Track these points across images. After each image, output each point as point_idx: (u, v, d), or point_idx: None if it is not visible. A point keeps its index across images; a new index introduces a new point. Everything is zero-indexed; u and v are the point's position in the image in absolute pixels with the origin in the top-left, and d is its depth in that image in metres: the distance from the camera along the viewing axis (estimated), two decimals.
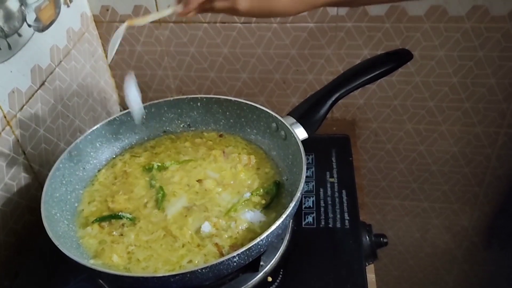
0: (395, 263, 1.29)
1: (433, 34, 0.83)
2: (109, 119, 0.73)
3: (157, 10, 0.87)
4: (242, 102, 0.73)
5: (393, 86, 0.91)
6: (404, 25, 0.82)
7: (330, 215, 0.71)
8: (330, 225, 0.69)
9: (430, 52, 0.85)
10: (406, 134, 0.99)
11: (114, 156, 0.75)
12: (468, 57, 0.85)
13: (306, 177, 0.75)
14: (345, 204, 0.72)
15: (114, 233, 0.62)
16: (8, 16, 0.66)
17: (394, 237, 1.22)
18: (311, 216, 0.71)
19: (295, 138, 0.64)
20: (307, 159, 0.79)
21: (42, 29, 0.74)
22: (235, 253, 0.52)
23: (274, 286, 0.62)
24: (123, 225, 0.63)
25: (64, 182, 0.66)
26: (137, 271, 0.57)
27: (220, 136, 0.76)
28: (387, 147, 1.02)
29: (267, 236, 0.53)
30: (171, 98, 0.76)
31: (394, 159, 1.04)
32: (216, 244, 0.58)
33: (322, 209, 0.72)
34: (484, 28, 0.81)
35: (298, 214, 0.71)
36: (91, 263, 0.58)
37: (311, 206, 0.73)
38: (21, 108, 0.70)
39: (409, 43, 0.84)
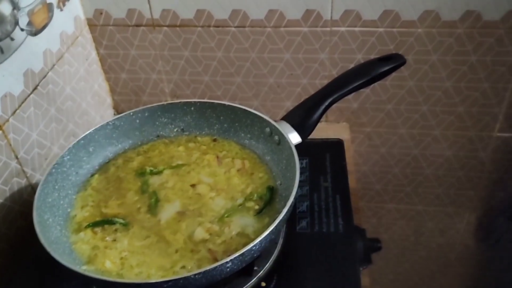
0: (390, 267, 1.29)
1: (426, 38, 0.83)
2: (102, 123, 0.73)
3: (151, 14, 0.87)
4: (236, 107, 0.73)
5: (387, 90, 0.91)
6: (397, 30, 0.83)
7: (324, 219, 0.71)
8: (324, 230, 0.69)
9: (423, 57, 0.85)
10: (400, 138, 0.99)
11: (107, 160, 0.74)
12: (461, 61, 0.85)
13: (300, 181, 0.74)
14: (338, 209, 0.72)
15: (107, 238, 0.61)
16: (0, 20, 0.65)
17: (389, 241, 1.22)
18: (305, 220, 0.71)
19: (289, 143, 0.64)
20: (301, 163, 0.79)
21: (35, 33, 0.74)
22: (228, 259, 0.51)
23: None
24: (116, 230, 0.62)
25: (56, 187, 0.66)
26: (130, 277, 0.57)
27: (214, 140, 0.76)
28: (382, 151, 1.02)
29: (260, 241, 0.53)
30: (165, 103, 0.76)
31: (389, 163, 1.04)
32: (210, 250, 0.58)
33: (316, 213, 0.72)
34: (477, 33, 0.81)
35: (292, 219, 0.71)
36: (83, 269, 0.57)
37: (305, 210, 0.73)
38: (14, 113, 0.69)
39: (402, 47, 0.85)
